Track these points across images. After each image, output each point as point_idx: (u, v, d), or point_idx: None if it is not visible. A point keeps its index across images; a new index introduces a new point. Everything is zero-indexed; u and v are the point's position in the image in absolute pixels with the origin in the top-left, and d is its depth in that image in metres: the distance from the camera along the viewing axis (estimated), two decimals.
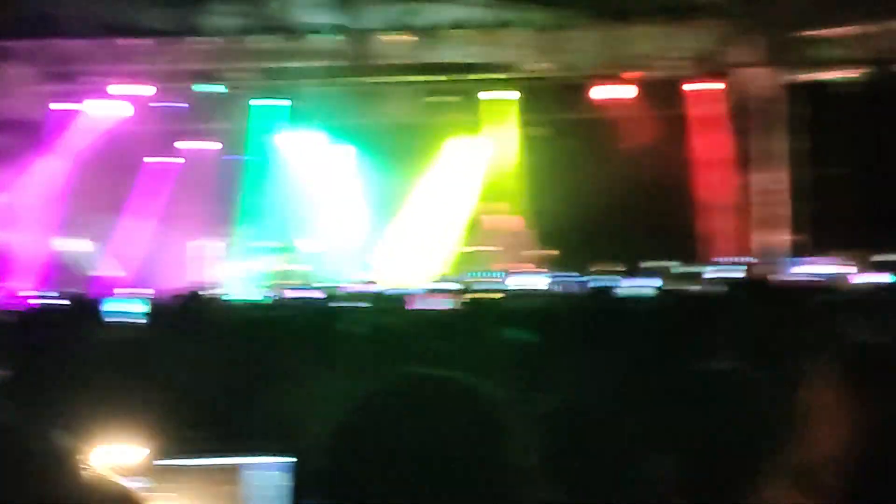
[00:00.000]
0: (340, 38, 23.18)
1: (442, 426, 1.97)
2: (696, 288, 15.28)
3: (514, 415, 2.07)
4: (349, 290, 15.77)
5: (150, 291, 13.68)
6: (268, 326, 6.94)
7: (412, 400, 2.01)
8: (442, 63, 23.02)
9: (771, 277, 17.95)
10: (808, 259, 16.22)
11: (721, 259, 21.49)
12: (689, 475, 4.46)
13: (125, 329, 7.94)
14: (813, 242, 20.57)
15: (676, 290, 14.36)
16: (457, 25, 23.20)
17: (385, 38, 23.14)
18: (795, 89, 22.64)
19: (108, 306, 11.31)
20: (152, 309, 8.14)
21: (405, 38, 23.18)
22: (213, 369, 6.50)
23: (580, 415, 4.24)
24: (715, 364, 5.19)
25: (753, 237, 23.34)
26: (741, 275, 16.60)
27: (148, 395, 5.52)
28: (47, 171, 24.85)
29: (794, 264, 16.21)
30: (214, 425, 5.49)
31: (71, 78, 23.35)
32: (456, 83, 23.66)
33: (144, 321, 7.96)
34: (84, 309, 6.83)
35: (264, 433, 5.32)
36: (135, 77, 23.57)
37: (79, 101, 25.25)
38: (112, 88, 23.71)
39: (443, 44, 22.97)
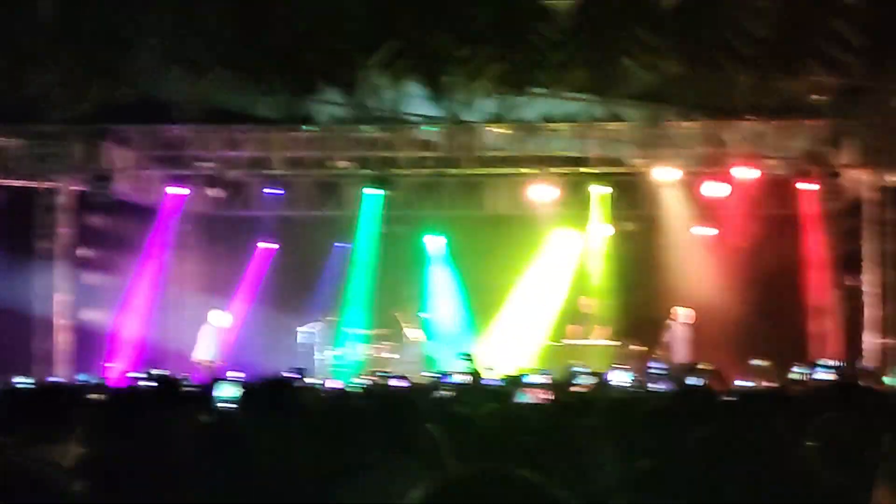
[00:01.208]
0: (441, 129, 23.40)
1: None
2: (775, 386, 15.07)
3: None
4: (445, 381, 15.70)
5: (243, 376, 13.76)
6: (357, 415, 6.92)
7: (474, 497, 1.98)
8: (539, 156, 23.11)
9: (866, 382, 17.57)
10: None
11: (824, 360, 21.10)
12: None
13: (215, 413, 7.98)
14: None
15: (763, 390, 14.18)
16: (555, 119, 23.32)
17: (484, 130, 23.32)
18: None
19: (200, 389, 11.38)
20: (244, 393, 8.16)
21: (503, 130, 23.34)
22: (300, 457, 6.50)
23: None
24: (795, 468, 5.09)
25: (858, 340, 22.92)
26: (836, 377, 16.25)
27: (234, 479, 5.53)
28: (152, 254, 25.28)
29: None
30: None
31: (180, 163, 23.80)
32: (554, 176, 23.69)
33: (235, 405, 7.99)
34: (176, 391, 6.90)
35: None
36: (245, 163, 23.95)
37: (187, 186, 25.71)
38: (221, 174, 24.10)
39: (540, 137, 23.09)
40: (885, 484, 3.05)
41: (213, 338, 23.50)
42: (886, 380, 16.64)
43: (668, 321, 23.34)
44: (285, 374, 13.94)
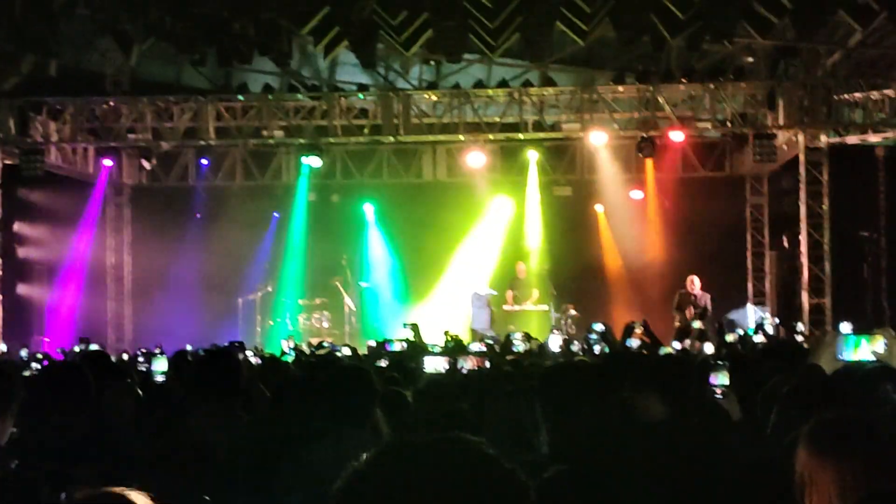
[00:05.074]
0: (375, 97, 23.32)
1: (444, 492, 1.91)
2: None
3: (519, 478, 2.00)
4: (384, 349, 15.69)
5: (179, 347, 13.67)
6: (299, 385, 6.90)
7: (410, 466, 1.94)
8: (473, 122, 23.10)
9: (800, 340, 17.77)
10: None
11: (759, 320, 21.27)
12: None
13: (152, 386, 7.93)
14: (847, 306, 20.43)
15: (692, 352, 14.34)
16: (490, 85, 23.32)
17: (418, 97, 23.25)
18: (833, 152, 22.56)
19: (135, 362, 11.29)
20: (181, 366, 8.11)
21: (438, 97, 23.30)
22: (242, 427, 6.47)
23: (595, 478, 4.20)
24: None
25: (795, 300, 23.16)
26: (770, 336, 16.40)
27: (174, 452, 5.48)
28: (86, 227, 25.03)
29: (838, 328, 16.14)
30: (243, 483, 5.45)
31: (112, 135, 23.53)
32: (487, 142, 23.67)
33: (172, 378, 7.95)
34: (112, 364, 6.83)
35: (294, 492, 5.27)
36: (175, 134, 23.71)
37: (119, 158, 25.42)
38: (153, 145, 23.87)
39: (474, 103, 23.08)
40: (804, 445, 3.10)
41: (484, 308, 23.64)
42: None
43: (683, 291, 22.74)
44: (224, 347, 13.85)
